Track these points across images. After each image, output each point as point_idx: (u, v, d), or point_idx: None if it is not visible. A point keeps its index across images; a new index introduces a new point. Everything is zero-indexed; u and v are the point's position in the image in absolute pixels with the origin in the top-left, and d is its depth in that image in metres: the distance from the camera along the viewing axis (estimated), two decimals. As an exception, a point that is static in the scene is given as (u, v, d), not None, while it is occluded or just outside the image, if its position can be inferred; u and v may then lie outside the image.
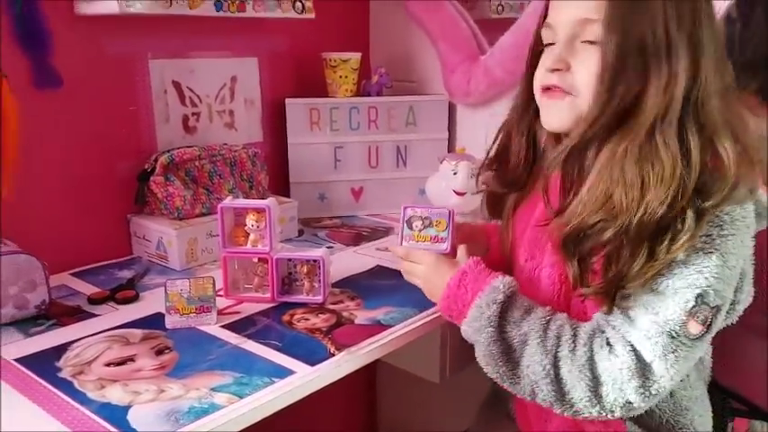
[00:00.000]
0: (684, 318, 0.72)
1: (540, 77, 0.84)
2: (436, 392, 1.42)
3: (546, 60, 0.83)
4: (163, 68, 1.24)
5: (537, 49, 0.87)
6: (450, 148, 1.49)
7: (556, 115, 0.83)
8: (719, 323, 0.76)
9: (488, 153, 0.98)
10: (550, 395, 0.77)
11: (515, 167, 0.93)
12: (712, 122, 0.74)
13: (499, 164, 0.97)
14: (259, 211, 1.00)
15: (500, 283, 0.82)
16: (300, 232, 1.36)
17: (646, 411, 0.79)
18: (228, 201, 1.03)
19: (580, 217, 0.75)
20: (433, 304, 0.93)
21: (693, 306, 0.72)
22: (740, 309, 0.84)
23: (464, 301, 0.84)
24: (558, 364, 0.77)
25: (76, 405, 0.74)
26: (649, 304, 0.74)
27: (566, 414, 0.78)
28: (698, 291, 0.72)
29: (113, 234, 1.22)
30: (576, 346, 0.77)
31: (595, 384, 0.75)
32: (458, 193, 1.31)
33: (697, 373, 0.89)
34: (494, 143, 0.97)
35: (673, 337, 0.73)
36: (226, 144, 1.31)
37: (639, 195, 0.71)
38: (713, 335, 0.77)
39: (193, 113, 1.31)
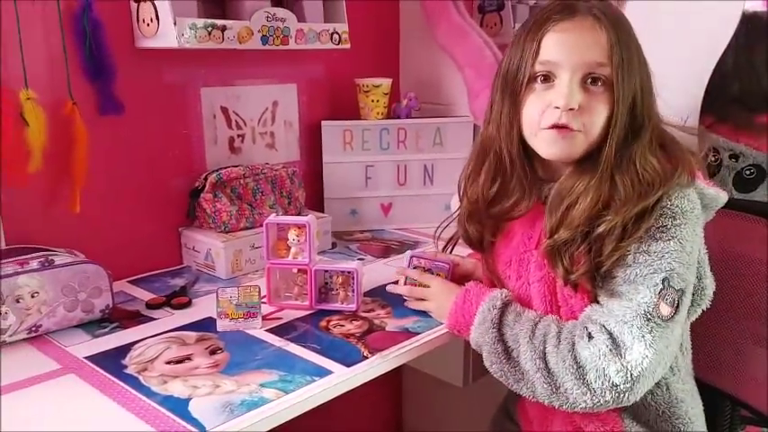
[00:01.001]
0: (655, 300, 0.82)
1: (549, 115, 0.89)
2: (459, 396, 1.50)
3: (555, 98, 0.88)
4: (212, 95, 1.35)
5: (519, 83, 0.91)
6: (475, 167, 1.57)
7: (566, 149, 0.90)
8: (686, 305, 0.86)
9: (479, 199, 1.01)
10: (546, 390, 0.87)
11: (514, 204, 0.98)
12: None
13: (490, 205, 1.01)
14: (300, 226, 1.10)
15: (498, 293, 0.96)
16: (334, 245, 1.46)
17: (642, 404, 0.88)
18: (272, 217, 1.13)
19: (578, 225, 0.86)
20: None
21: (662, 289, 0.82)
22: (709, 293, 0.94)
23: (470, 312, 0.96)
24: (546, 359, 0.87)
25: (143, 397, 0.84)
26: (623, 294, 0.85)
27: (563, 408, 0.87)
28: (663, 275, 0.83)
29: (166, 245, 1.32)
30: (560, 341, 0.87)
31: (581, 373, 0.84)
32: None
33: (686, 367, 0.97)
34: (484, 186, 1.00)
35: (648, 319, 0.82)
36: (267, 163, 1.41)
37: (632, 194, 0.85)
38: (684, 318, 0.87)
39: (238, 135, 1.42)
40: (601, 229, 0.85)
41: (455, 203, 1.45)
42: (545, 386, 0.87)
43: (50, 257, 1.02)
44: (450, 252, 1.15)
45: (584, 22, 0.88)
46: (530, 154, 0.97)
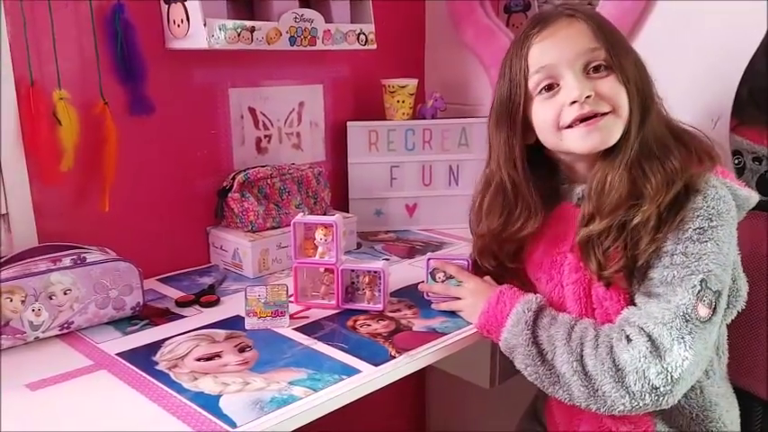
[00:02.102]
0: (694, 301, 0.81)
1: (569, 113, 0.89)
2: (486, 398, 1.49)
3: (567, 96, 0.89)
4: (240, 96, 1.36)
5: (515, 104, 0.93)
6: (500, 168, 1.56)
7: (603, 137, 0.89)
8: (723, 307, 0.85)
9: (487, 234, 1.03)
10: (583, 393, 0.86)
11: (522, 227, 0.99)
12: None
13: (499, 235, 1.02)
14: (327, 226, 1.10)
15: (533, 297, 0.95)
16: (359, 245, 1.46)
17: (675, 407, 0.87)
18: (300, 217, 1.13)
19: (612, 214, 0.86)
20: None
21: (699, 290, 0.82)
22: (743, 294, 0.93)
23: (503, 314, 0.95)
24: (583, 362, 0.86)
25: (174, 394, 0.85)
26: (661, 296, 0.84)
27: (601, 411, 0.86)
28: (701, 276, 0.82)
29: (194, 244, 1.34)
30: (597, 344, 0.86)
31: (620, 376, 0.83)
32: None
33: (720, 370, 0.96)
34: (491, 221, 1.02)
35: (687, 320, 0.82)
36: (294, 163, 1.42)
37: (661, 182, 0.85)
38: (720, 319, 0.86)
39: (265, 136, 1.43)
40: (637, 220, 0.85)
41: None
42: (582, 389, 0.86)
43: (83, 255, 1.03)
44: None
45: (561, 22, 0.90)
46: (546, 166, 0.99)
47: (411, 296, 1.16)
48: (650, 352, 0.82)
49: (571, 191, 0.98)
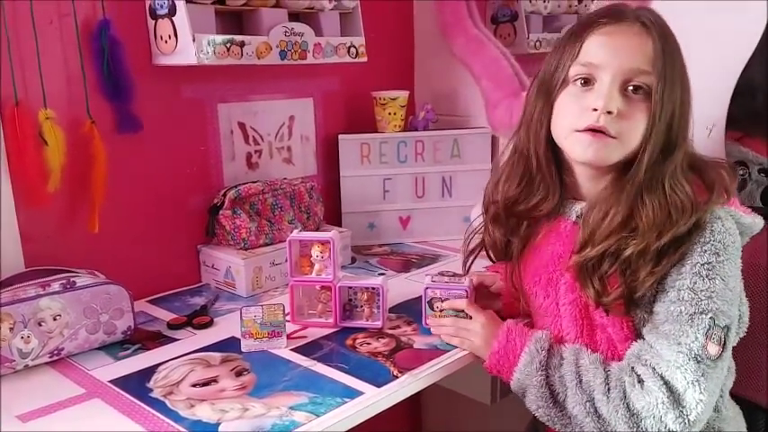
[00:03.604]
0: (703, 341, 0.80)
1: (586, 117, 0.87)
2: (485, 414, 1.47)
3: (594, 101, 0.86)
4: (230, 111, 1.34)
5: (554, 85, 0.90)
6: (493, 178, 1.55)
7: (600, 154, 0.87)
8: (732, 340, 0.84)
9: (504, 200, 1.00)
10: None
11: (538, 203, 0.97)
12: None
13: (514, 204, 1.00)
14: (323, 243, 1.08)
15: (542, 334, 0.93)
16: (353, 260, 1.44)
17: None
18: (295, 234, 1.10)
19: (605, 242, 0.85)
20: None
21: (708, 329, 0.80)
22: (746, 320, 0.93)
23: (514, 353, 0.92)
24: (595, 405, 0.84)
25: (172, 423, 0.82)
26: (670, 335, 0.82)
27: None
28: (710, 315, 0.81)
29: (185, 263, 1.31)
30: (609, 389, 0.84)
31: (635, 421, 0.81)
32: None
33: (727, 389, 0.95)
34: (510, 187, 1.00)
35: (698, 362, 0.80)
36: (285, 178, 1.40)
37: (661, 217, 0.83)
38: (730, 353, 0.85)
39: (256, 151, 1.40)
40: (628, 252, 0.83)
41: (475, 215, 1.44)
42: (595, 431, 0.84)
43: (72, 279, 1.00)
44: (470, 265, 1.11)
45: (631, 28, 0.86)
46: (558, 164, 0.96)
47: (409, 311, 1.14)
48: (667, 398, 0.80)
49: (570, 207, 0.96)
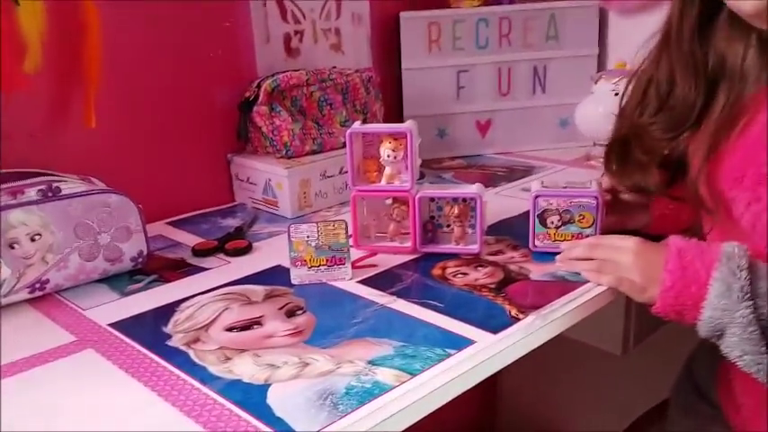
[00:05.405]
0: None
1: None
2: (615, 368, 1.16)
3: None
4: (262, -24, 1.07)
5: None
6: (601, 67, 1.26)
7: None
8: None
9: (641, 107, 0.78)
10: None
11: (686, 103, 0.74)
12: None
13: (659, 108, 0.77)
14: (397, 137, 0.82)
15: (732, 248, 0.65)
16: (422, 174, 1.16)
17: None
18: (357, 125, 0.85)
19: None
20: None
21: None
22: None
23: (698, 282, 0.64)
24: None
25: (197, 384, 0.58)
26: None
27: None
28: None
29: (212, 177, 1.08)
30: None
31: None
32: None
33: None
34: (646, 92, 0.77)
35: None
36: (335, 67, 1.13)
37: None
38: None
39: (296, 32, 1.15)
40: None
41: (582, 116, 1.15)
42: None
43: (54, 184, 0.75)
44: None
45: None
46: None
47: (514, 234, 0.87)
48: None
49: None
